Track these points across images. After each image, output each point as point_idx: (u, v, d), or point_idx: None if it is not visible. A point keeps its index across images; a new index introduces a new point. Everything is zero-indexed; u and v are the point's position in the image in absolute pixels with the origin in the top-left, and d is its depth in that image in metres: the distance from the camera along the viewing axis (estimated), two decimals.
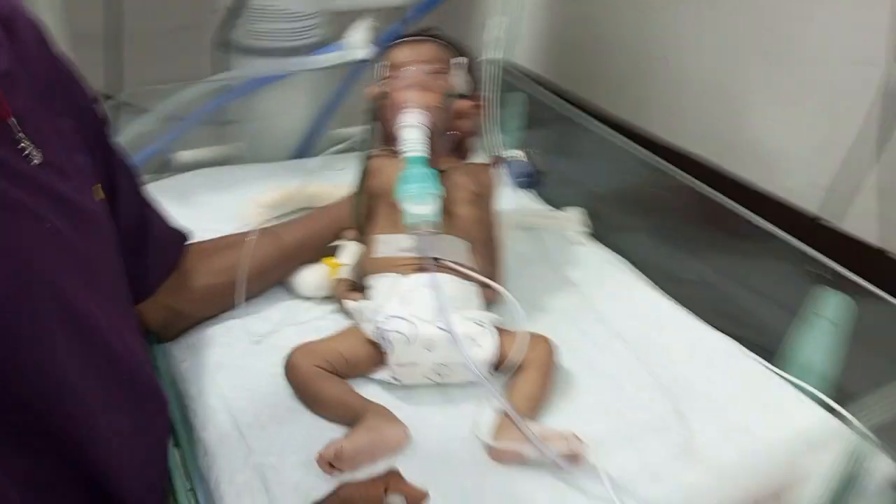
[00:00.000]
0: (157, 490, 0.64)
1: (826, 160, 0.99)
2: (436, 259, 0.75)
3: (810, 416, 0.73)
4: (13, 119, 0.52)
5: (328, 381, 0.72)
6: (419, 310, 0.73)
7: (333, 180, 1.06)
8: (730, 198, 0.94)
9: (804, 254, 0.80)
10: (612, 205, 1.09)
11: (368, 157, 0.85)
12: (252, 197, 1.01)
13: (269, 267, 0.86)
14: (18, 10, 0.57)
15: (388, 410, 0.70)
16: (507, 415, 0.68)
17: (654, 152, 1.04)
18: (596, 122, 1.09)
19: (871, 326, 0.73)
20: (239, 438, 0.68)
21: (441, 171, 0.77)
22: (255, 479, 0.64)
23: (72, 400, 0.54)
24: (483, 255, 0.82)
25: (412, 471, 0.62)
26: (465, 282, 0.78)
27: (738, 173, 1.09)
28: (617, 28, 1.30)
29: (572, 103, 1.14)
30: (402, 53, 0.85)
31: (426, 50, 0.86)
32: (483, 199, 0.85)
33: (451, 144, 0.86)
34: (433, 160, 0.77)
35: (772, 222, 0.88)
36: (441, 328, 0.71)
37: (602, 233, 1.06)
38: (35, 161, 0.54)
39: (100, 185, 0.64)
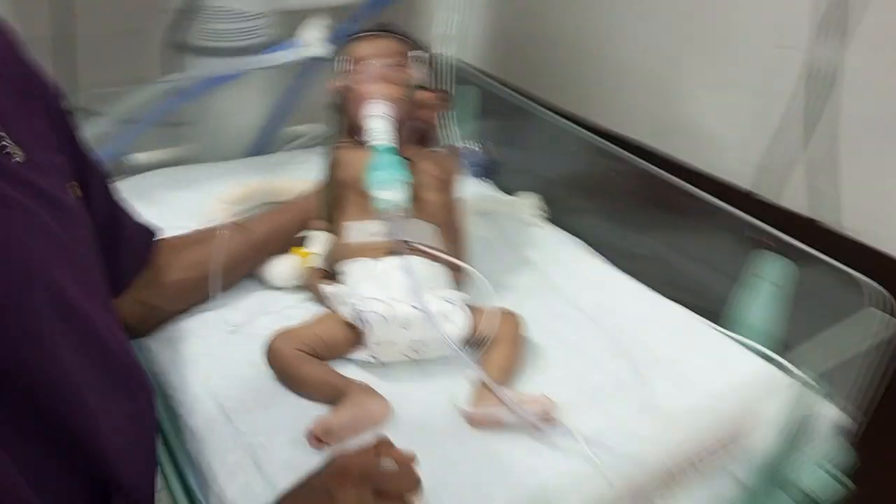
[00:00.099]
0: (150, 477, 0.66)
1: (757, 139, 1.07)
2: (406, 242, 0.79)
3: (757, 369, 0.80)
4: None
5: (309, 363, 0.75)
6: (393, 291, 0.77)
7: (293, 176, 1.09)
8: None
9: (744, 221, 0.87)
10: (565, 189, 1.14)
11: (334, 149, 0.88)
12: (215, 193, 1.02)
13: (240, 260, 0.88)
14: None
15: (370, 386, 0.73)
16: (483, 383, 0.72)
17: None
18: (545, 112, 1.14)
19: (807, 285, 0.80)
20: (226, 422, 0.71)
21: (407, 159, 0.81)
22: (246, 459, 0.67)
23: (71, 389, 0.55)
24: (449, 238, 0.86)
25: (396, 441, 0.64)
26: (435, 263, 0.81)
27: (676, 156, 1.16)
28: (557, 23, 1.36)
29: (521, 95, 1.19)
30: (363, 48, 0.88)
31: (386, 44, 0.89)
32: (448, 185, 0.89)
33: (414, 134, 0.90)
34: (399, 149, 0.81)
35: None
36: (415, 307, 0.75)
37: (557, 216, 1.11)
38: (17, 159, 0.56)
39: (75, 183, 0.65)
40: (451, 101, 0.95)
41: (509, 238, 1.04)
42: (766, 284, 0.83)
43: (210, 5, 1.12)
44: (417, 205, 0.83)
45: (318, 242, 0.89)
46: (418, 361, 0.78)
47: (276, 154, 1.27)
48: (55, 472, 0.55)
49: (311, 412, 0.71)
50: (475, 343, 0.78)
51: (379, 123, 0.81)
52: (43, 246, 0.56)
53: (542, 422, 0.69)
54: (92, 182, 0.71)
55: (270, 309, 0.86)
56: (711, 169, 1.12)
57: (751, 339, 0.83)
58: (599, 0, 1.27)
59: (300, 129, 1.34)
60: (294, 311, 0.85)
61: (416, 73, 0.89)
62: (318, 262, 0.87)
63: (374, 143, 0.80)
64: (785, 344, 0.80)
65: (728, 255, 0.89)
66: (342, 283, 0.82)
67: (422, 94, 0.89)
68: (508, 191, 1.19)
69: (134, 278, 0.79)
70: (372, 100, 0.83)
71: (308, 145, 1.27)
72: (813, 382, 0.67)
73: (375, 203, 0.78)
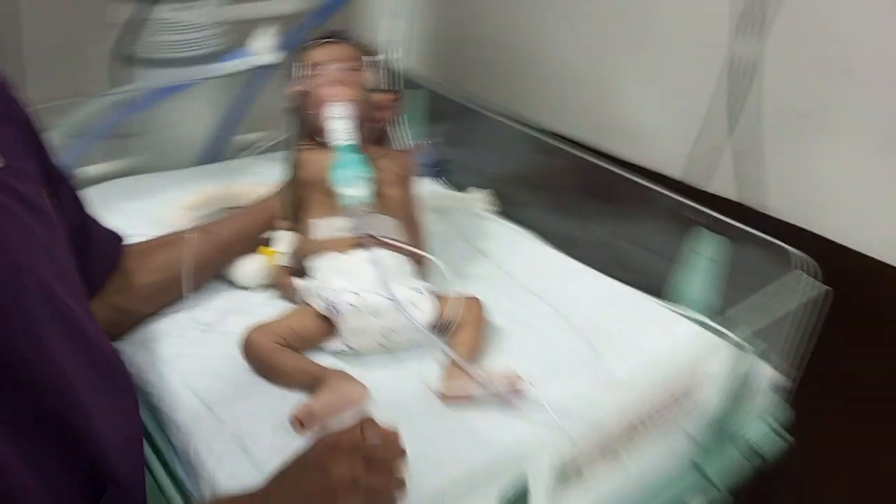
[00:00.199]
0: (140, 468, 0.68)
1: (686, 131, 1.15)
2: (372, 236, 0.83)
3: (698, 335, 0.87)
4: None
5: (286, 354, 0.78)
6: (362, 282, 0.81)
7: (249, 181, 1.11)
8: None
9: (680, 203, 0.94)
10: (512, 184, 1.20)
11: (295, 151, 0.92)
12: (174, 200, 1.04)
13: (207, 262, 0.90)
14: None
15: (346, 373, 0.77)
16: (452, 363, 0.77)
17: None
18: (490, 112, 1.20)
19: (739, 258, 0.88)
20: (209, 414, 0.73)
21: (368, 157, 0.85)
22: (232, 446, 0.69)
23: (67, 385, 0.57)
24: (409, 232, 0.91)
25: None
26: (400, 255, 0.86)
27: (612, 149, 1.24)
28: (495, 27, 1.43)
29: (465, 97, 1.25)
30: (320, 53, 0.92)
31: (341, 50, 0.93)
32: (406, 181, 0.93)
33: (371, 134, 0.94)
34: (360, 148, 0.85)
35: None
36: (385, 296, 0.79)
37: (506, 209, 1.17)
38: None
39: (46, 191, 0.67)
40: (402, 102, 1.00)
41: (464, 232, 1.09)
42: (702, 259, 0.90)
43: (158, 17, 1.13)
44: (379, 200, 0.87)
45: (283, 241, 0.92)
46: (389, 350, 0.83)
47: (229, 162, 1.29)
48: (55, 467, 0.57)
49: (290, 400, 0.74)
50: (441, 328, 0.82)
51: (340, 124, 0.85)
52: (29, 247, 0.58)
53: (511, 394, 0.74)
54: (62, 189, 0.72)
55: (240, 307, 0.89)
56: (645, 161, 1.20)
57: (692, 309, 0.91)
58: (536, 4, 1.33)
59: (249, 137, 1.36)
60: (263, 309, 0.88)
61: (371, 77, 0.94)
62: (284, 261, 0.91)
63: (336, 142, 0.84)
64: (722, 311, 0.87)
65: (666, 235, 0.96)
66: (312, 278, 0.85)
67: (378, 96, 0.93)
68: (459, 188, 1.25)
69: (105, 283, 0.81)
70: (332, 102, 0.87)
71: (261, 152, 1.30)
72: (748, 344, 0.74)
73: (341, 199, 0.82)
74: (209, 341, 0.83)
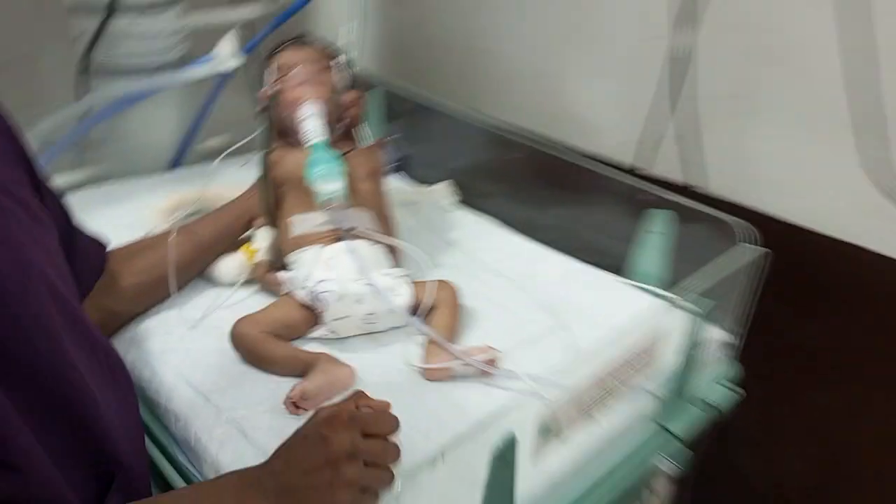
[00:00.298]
0: (144, 456, 0.72)
1: (633, 120, 1.23)
2: (350, 228, 0.88)
3: (654, 305, 0.95)
4: None
5: (274, 343, 0.82)
6: (343, 272, 0.85)
7: (219, 184, 1.14)
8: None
9: (632, 187, 1.02)
10: (472, 176, 1.27)
11: (269, 152, 0.96)
12: (149, 205, 1.07)
13: (190, 261, 0.93)
14: None
15: (333, 356, 0.82)
16: (432, 342, 0.83)
17: None
18: (446, 108, 1.26)
19: (688, 233, 0.96)
20: (206, 403, 0.77)
21: (341, 154, 0.90)
22: (232, 430, 0.74)
23: (73, 374, 0.61)
24: (382, 223, 0.96)
25: None
26: (376, 245, 0.91)
27: (564, 140, 1.31)
28: (446, 27, 1.49)
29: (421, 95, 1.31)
30: (290, 57, 0.97)
31: (308, 53, 0.98)
32: (376, 176, 0.98)
33: (340, 132, 0.99)
34: (332, 145, 0.90)
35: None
36: (365, 284, 0.84)
37: (469, 199, 1.23)
38: None
39: (35, 198, 0.70)
40: (366, 101, 1.05)
41: (431, 223, 1.15)
42: (655, 236, 0.98)
43: (121, 28, 1.15)
44: (353, 195, 0.92)
45: (262, 239, 0.96)
46: (371, 333, 0.88)
47: (194, 167, 1.32)
48: (68, 456, 0.60)
49: (282, 385, 0.79)
50: (419, 310, 0.88)
51: (312, 123, 0.90)
52: (32, 246, 0.61)
53: (488, 366, 0.80)
54: (47, 196, 0.75)
55: (225, 303, 0.92)
56: (597, 149, 1.27)
57: (648, 282, 0.98)
58: (484, 5, 1.40)
59: (209, 143, 1.39)
60: (248, 303, 0.92)
61: (339, 77, 0.99)
62: (264, 257, 0.95)
63: (310, 141, 0.89)
64: (675, 282, 0.95)
65: (620, 217, 1.04)
66: (293, 271, 0.90)
67: (346, 96, 0.98)
68: (420, 182, 1.30)
69: (94, 285, 0.84)
70: (304, 102, 0.92)
71: (228, 155, 1.32)
72: (699, 309, 0.82)
73: (318, 195, 0.87)
74: (197, 336, 0.87)
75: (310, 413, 0.73)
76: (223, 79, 1.25)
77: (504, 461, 0.59)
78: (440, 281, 0.91)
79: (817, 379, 1.11)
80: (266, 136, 0.98)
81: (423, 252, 1.00)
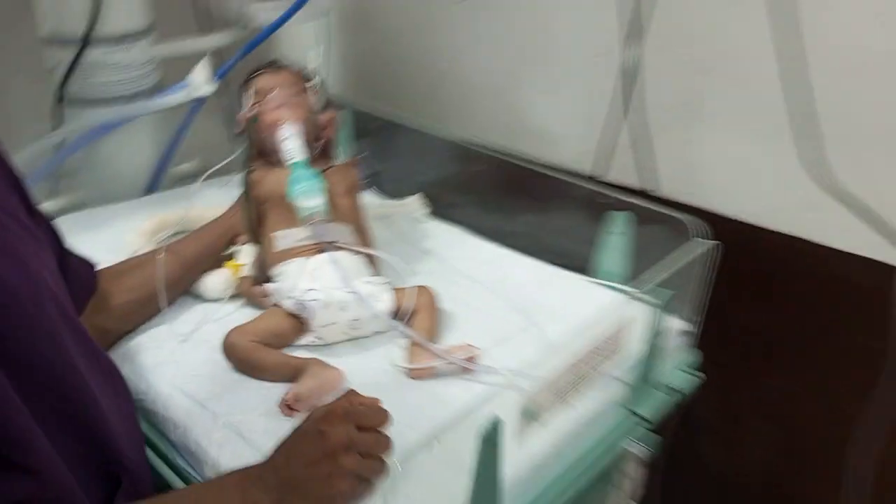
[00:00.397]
0: (143, 456, 0.75)
1: (589, 131, 1.31)
2: (332, 242, 0.93)
3: (617, 300, 1.01)
4: None
5: (265, 351, 0.87)
6: (327, 281, 0.90)
7: (200, 205, 1.19)
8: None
9: (592, 191, 1.09)
10: (439, 188, 1.33)
11: (250, 172, 1.01)
12: (131, 228, 1.10)
13: (177, 279, 0.97)
14: None
15: (322, 361, 0.86)
16: (415, 344, 0.88)
17: None
18: (412, 126, 1.33)
19: (645, 232, 1.03)
20: (203, 410, 0.81)
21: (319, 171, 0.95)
22: (230, 434, 0.78)
23: (80, 381, 0.65)
24: (360, 235, 1.01)
25: None
26: (356, 256, 0.96)
27: (526, 152, 1.38)
28: (406, 49, 1.55)
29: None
30: (265, 81, 1.02)
31: (284, 77, 1.03)
32: (353, 191, 1.04)
33: (319, 151, 1.04)
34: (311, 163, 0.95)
35: None
36: (349, 292, 0.89)
37: (439, 210, 1.29)
38: None
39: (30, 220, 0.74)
40: (338, 120, 1.11)
41: (405, 234, 1.21)
42: (616, 237, 1.05)
43: (95, 59, 1.19)
44: (332, 210, 0.97)
45: (245, 255, 1.01)
46: (356, 339, 0.93)
47: (169, 191, 1.35)
48: (78, 459, 0.64)
49: (274, 391, 0.83)
50: (400, 315, 0.93)
51: (293, 143, 0.95)
52: (37, 261, 0.65)
53: (470, 364, 0.86)
54: (39, 219, 0.79)
55: (213, 318, 0.96)
56: (558, 159, 1.35)
57: (611, 280, 1.05)
58: (445, 24, 1.47)
59: (182, 167, 1.43)
60: (235, 317, 0.96)
61: (315, 99, 1.04)
62: (249, 272, 0.99)
63: (290, 160, 0.94)
64: (635, 277, 1.02)
65: (582, 221, 1.10)
66: (279, 283, 0.94)
67: (322, 117, 1.04)
68: (392, 196, 1.36)
69: (86, 304, 0.87)
70: (283, 124, 0.97)
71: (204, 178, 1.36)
72: (658, 300, 0.88)
73: (300, 211, 0.92)
74: (188, 350, 0.91)
75: (303, 415, 0.78)
76: (198, 104, 1.29)
77: (491, 443, 0.64)
78: (419, 286, 0.96)
79: (772, 365, 1.20)
80: (245, 157, 1.03)
81: (401, 261, 1.06)
